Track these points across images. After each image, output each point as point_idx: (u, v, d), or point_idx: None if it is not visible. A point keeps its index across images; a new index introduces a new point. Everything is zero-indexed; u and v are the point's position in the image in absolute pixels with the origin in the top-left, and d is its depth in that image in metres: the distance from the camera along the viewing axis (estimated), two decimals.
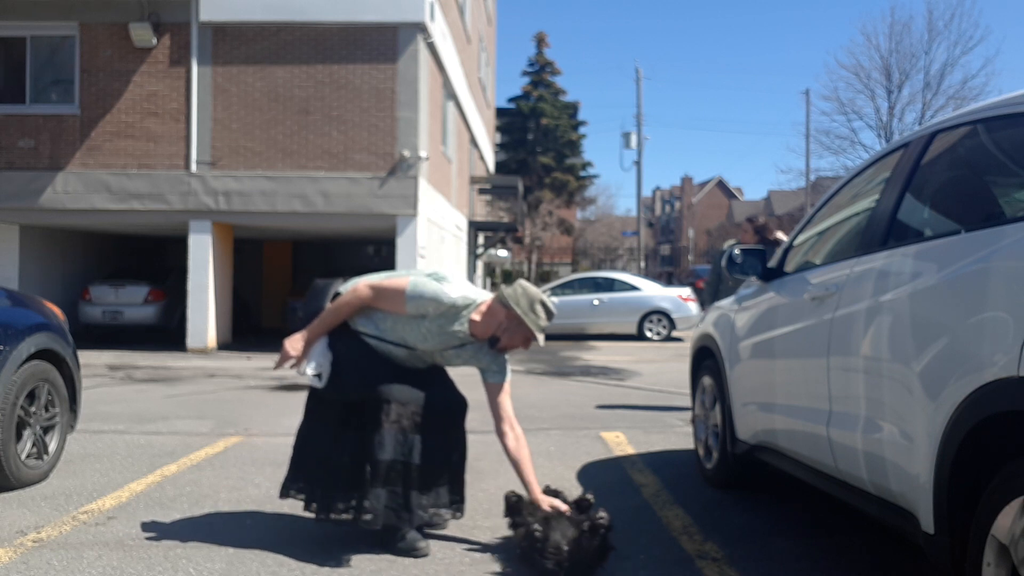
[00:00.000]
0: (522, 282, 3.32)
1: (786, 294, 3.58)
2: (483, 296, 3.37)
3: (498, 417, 3.39)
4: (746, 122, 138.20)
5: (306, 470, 3.39)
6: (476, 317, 3.29)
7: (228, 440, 5.66)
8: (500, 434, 3.38)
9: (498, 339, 3.28)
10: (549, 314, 3.25)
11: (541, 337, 3.26)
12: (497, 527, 3.60)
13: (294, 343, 3.33)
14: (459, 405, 3.45)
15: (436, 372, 3.50)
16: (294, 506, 3.92)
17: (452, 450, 3.40)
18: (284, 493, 3.45)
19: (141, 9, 12.96)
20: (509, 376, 3.43)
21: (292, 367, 3.35)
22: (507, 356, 3.45)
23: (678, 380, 8.23)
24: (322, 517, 3.32)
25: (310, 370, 3.31)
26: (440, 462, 3.33)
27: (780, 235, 6.80)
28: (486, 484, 4.43)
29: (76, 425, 4.79)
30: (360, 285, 3.34)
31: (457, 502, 3.43)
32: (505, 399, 3.39)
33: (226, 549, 3.28)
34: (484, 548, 3.34)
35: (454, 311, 3.28)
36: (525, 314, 3.21)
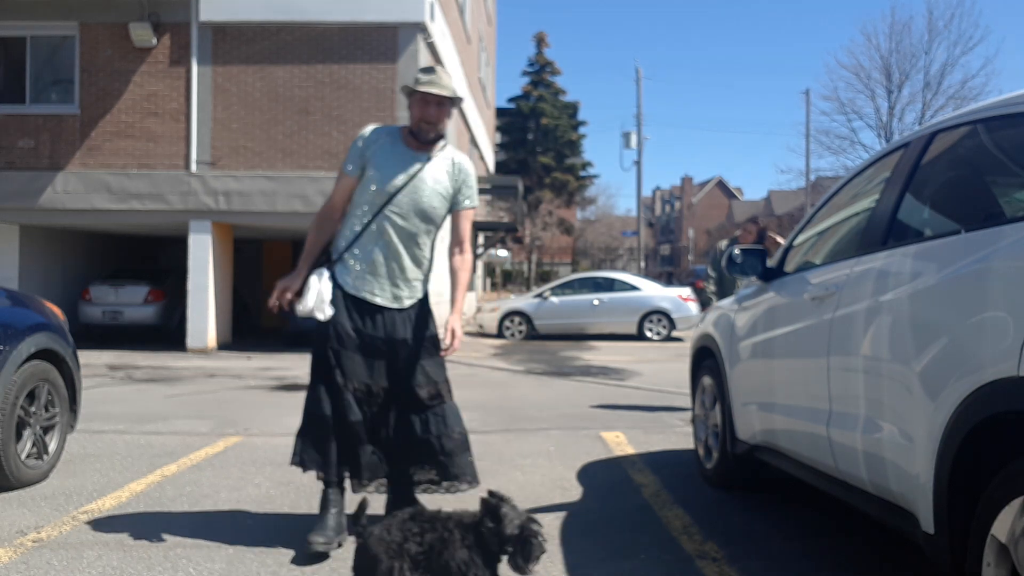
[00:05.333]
0: None
1: (786, 294, 3.58)
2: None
3: (454, 238, 3.53)
4: (746, 122, 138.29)
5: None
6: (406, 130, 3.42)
7: (228, 440, 5.66)
8: (450, 253, 3.53)
9: (426, 124, 3.33)
10: (424, 72, 3.34)
11: (424, 87, 3.29)
12: None
13: (286, 280, 3.41)
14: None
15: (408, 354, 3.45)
16: (294, 505, 3.93)
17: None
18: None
19: (141, 9, 12.95)
20: (475, 204, 3.53)
21: (290, 304, 3.38)
22: (469, 185, 3.50)
23: (678, 380, 8.23)
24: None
25: (310, 301, 3.31)
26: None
27: (779, 240, 6.81)
28: (486, 484, 4.41)
29: (76, 425, 4.79)
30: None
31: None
32: (465, 224, 3.53)
33: (226, 549, 3.28)
34: None
35: (383, 136, 3.40)
36: (412, 85, 3.34)
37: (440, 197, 3.41)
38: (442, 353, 3.40)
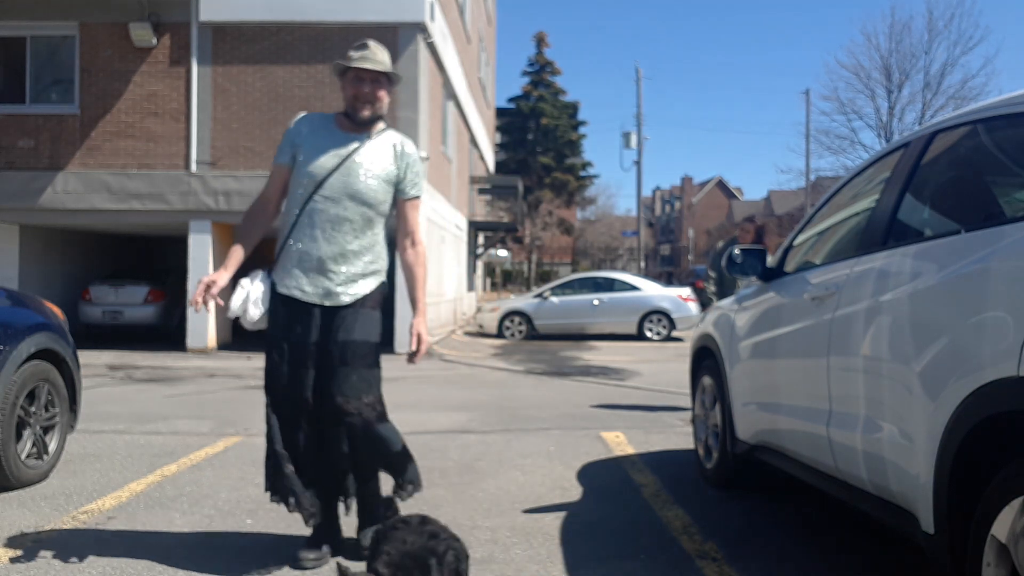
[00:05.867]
0: None
1: (786, 294, 3.58)
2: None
3: (403, 231, 3.25)
4: (746, 122, 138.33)
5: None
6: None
7: (228, 440, 5.66)
8: (401, 248, 3.26)
9: (360, 103, 3.09)
10: (357, 48, 3.11)
11: (357, 63, 3.05)
12: (497, 527, 3.60)
13: (211, 276, 3.10)
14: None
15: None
16: None
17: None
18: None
19: (141, 9, 12.95)
20: (420, 193, 3.25)
21: (224, 305, 3.10)
22: (416, 170, 3.21)
23: (678, 380, 8.23)
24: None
25: (235, 303, 3.06)
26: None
27: (779, 239, 6.81)
28: (486, 484, 4.43)
29: (76, 425, 4.79)
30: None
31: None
32: (413, 214, 3.24)
33: (226, 549, 3.28)
34: (484, 548, 3.34)
35: (316, 120, 3.19)
36: (344, 62, 3.11)
37: (379, 180, 3.11)
38: (410, 361, 3.13)
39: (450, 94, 17.20)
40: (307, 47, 13.15)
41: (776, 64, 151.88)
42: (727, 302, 4.51)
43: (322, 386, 3.03)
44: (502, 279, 49.93)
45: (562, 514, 3.81)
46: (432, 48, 13.99)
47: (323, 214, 3.05)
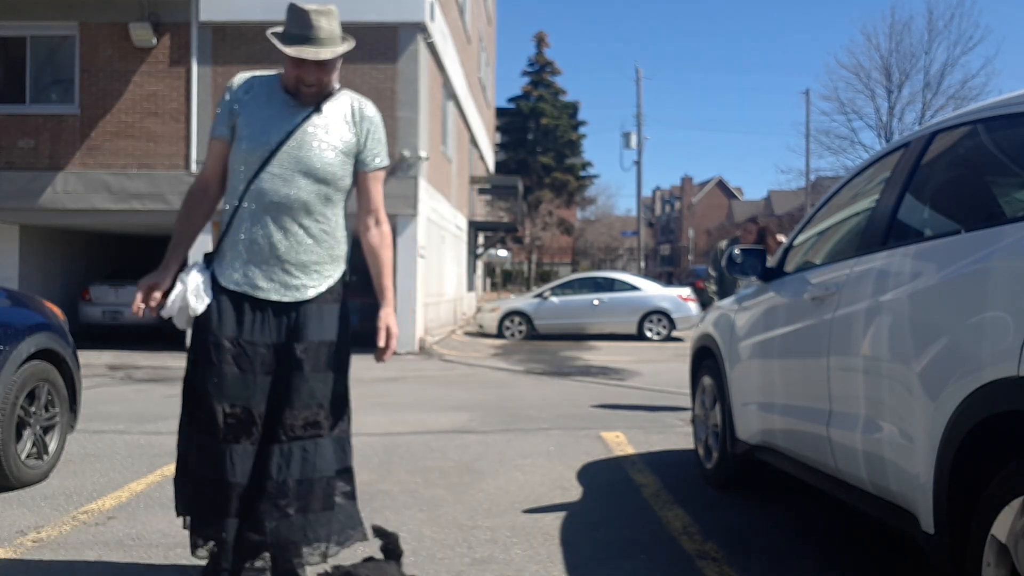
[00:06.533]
0: None
1: (786, 294, 3.58)
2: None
3: (365, 209, 2.80)
4: (746, 122, 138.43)
5: None
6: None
7: None
8: (363, 228, 2.81)
9: (306, 88, 2.61)
10: (294, 18, 2.60)
11: (290, 50, 2.54)
12: (497, 527, 3.60)
13: (152, 277, 2.66)
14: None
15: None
16: None
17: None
18: None
19: (141, 9, 12.95)
20: (386, 163, 2.81)
21: (156, 308, 2.64)
22: (375, 140, 2.75)
23: (678, 380, 8.23)
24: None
25: (171, 303, 2.61)
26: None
27: (781, 238, 6.81)
28: (486, 484, 4.43)
29: (76, 425, 4.79)
30: None
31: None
32: (376, 189, 2.80)
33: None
34: (484, 548, 3.34)
35: (257, 84, 2.70)
36: (280, 42, 2.59)
37: (336, 152, 2.66)
38: (376, 358, 2.72)
39: (450, 94, 17.20)
40: None
41: (776, 64, 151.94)
42: (727, 302, 4.51)
43: (278, 395, 2.60)
44: (502, 279, 49.94)
45: (562, 514, 3.81)
46: (432, 48, 13.99)
47: (272, 195, 2.60)
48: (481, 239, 26.30)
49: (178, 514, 2.71)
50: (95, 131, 13.18)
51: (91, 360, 11.12)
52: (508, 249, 44.90)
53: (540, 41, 48.98)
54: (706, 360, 4.66)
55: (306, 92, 2.63)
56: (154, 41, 13.02)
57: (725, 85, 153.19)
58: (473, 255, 24.45)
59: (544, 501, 4.06)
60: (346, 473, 2.73)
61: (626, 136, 33.82)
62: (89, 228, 14.95)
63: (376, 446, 5.45)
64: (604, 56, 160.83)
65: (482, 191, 25.35)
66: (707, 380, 4.60)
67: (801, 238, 3.82)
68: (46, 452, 4.43)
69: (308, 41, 2.56)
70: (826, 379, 2.97)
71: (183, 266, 2.72)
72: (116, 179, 13.15)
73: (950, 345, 2.18)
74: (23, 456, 4.21)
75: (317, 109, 2.66)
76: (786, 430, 3.45)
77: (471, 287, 24.40)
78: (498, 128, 40.30)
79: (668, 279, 47.73)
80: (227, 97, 2.71)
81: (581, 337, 16.74)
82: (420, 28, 13.21)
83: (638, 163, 33.45)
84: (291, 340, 2.63)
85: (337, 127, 2.68)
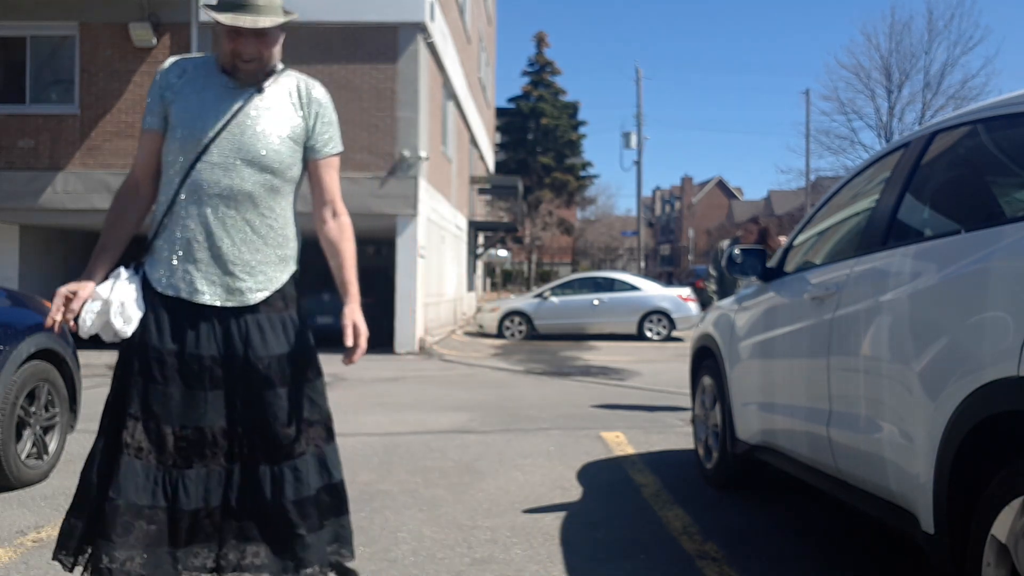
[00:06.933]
0: None
1: (786, 294, 3.58)
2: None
3: (320, 200, 2.52)
4: (746, 122, 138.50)
5: None
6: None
7: None
8: (319, 221, 2.52)
9: (243, 63, 2.33)
10: None
11: (224, 17, 2.26)
12: (497, 527, 3.60)
13: (72, 285, 2.32)
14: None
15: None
16: None
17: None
18: None
19: (141, 9, 12.95)
20: (340, 149, 2.54)
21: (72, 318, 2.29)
22: (326, 123, 2.48)
23: (678, 380, 8.23)
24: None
25: (88, 318, 2.27)
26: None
27: (781, 239, 6.81)
28: (486, 484, 4.43)
29: (76, 425, 4.79)
30: None
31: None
32: (331, 177, 2.52)
33: None
34: (484, 548, 3.34)
35: (190, 67, 2.42)
36: (213, 11, 2.32)
37: (283, 138, 2.39)
38: (344, 360, 2.41)
39: (450, 94, 17.20)
40: (307, 47, 13.14)
41: (776, 64, 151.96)
42: (727, 302, 4.51)
43: (243, 411, 2.32)
44: (502, 279, 49.94)
45: (562, 514, 3.81)
46: (432, 48, 13.99)
47: (212, 187, 2.32)
48: (481, 239, 26.30)
49: (70, 553, 2.24)
50: (95, 131, 13.18)
51: (91, 360, 11.09)
52: (508, 249, 44.90)
53: (540, 41, 49.00)
54: (706, 360, 4.66)
55: (245, 69, 2.34)
56: (154, 41, 13.02)
57: (725, 85, 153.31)
58: (473, 255, 24.46)
59: (544, 501, 4.06)
60: (332, 489, 2.44)
61: (626, 136, 33.84)
62: (89, 228, 14.94)
63: (376, 446, 5.46)
64: (604, 56, 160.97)
65: (482, 191, 25.35)
66: (707, 380, 4.60)
67: (801, 238, 3.82)
68: (46, 452, 4.43)
69: (244, 8, 2.29)
70: (826, 379, 2.97)
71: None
72: (116, 179, 13.14)
73: (950, 345, 2.18)
74: (23, 456, 4.21)
75: (259, 90, 2.39)
76: (786, 430, 3.45)
77: (471, 287, 24.40)
78: (498, 128, 40.31)
79: (668, 279, 47.74)
80: (157, 83, 2.40)
81: (581, 337, 16.74)
82: (420, 28, 13.21)
83: (638, 163, 33.46)
84: (249, 354, 2.33)
85: (282, 110, 2.41)
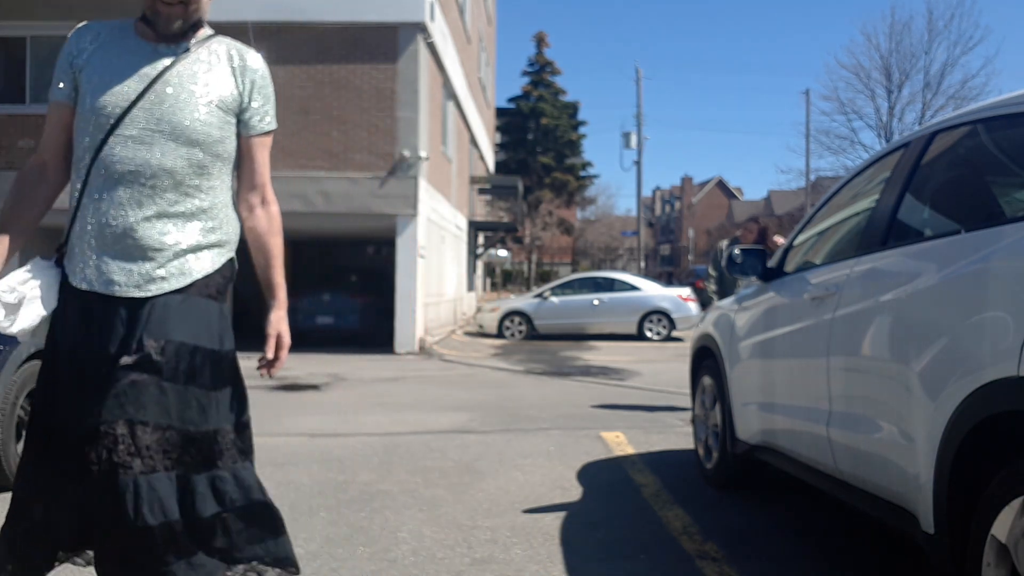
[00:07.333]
0: None
1: (786, 294, 3.58)
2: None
3: (248, 183, 2.23)
4: (746, 122, 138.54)
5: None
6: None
7: None
8: (245, 208, 2.23)
9: (165, 5, 2.08)
10: None
11: None
12: (497, 527, 3.60)
13: None
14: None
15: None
16: (294, 505, 3.92)
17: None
18: None
19: (141, 10, 12.94)
20: (274, 126, 2.25)
21: None
22: (261, 100, 2.21)
23: (678, 380, 8.23)
24: None
25: None
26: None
27: (780, 239, 6.81)
28: (486, 484, 4.43)
29: None
30: None
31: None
32: (262, 156, 2.23)
33: None
34: (484, 548, 3.34)
35: (104, 31, 2.20)
36: None
37: (211, 107, 2.10)
38: (263, 372, 2.17)
39: (450, 94, 17.21)
40: (307, 47, 13.15)
41: (776, 64, 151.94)
42: (727, 302, 4.51)
43: (157, 411, 1.94)
44: (502, 279, 49.95)
45: (562, 514, 3.81)
46: (432, 48, 13.99)
47: (127, 164, 2.02)
48: (481, 239, 26.30)
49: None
50: None
51: None
52: (508, 249, 44.90)
53: (540, 41, 49.02)
54: (706, 360, 4.66)
55: (167, 13, 2.07)
56: None
57: (725, 85, 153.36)
58: (473, 255, 24.46)
59: (544, 501, 4.06)
60: (247, 512, 2.03)
61: (626, 136, 33.85)
62: None
63: (376, 446, 5.46)
64: (604, 56, 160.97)
65: (482, 191, 25.36)
66: (707, 380, 4.60)
67: (801, 238, 3.82)
68: None
69: None
70: (826, 379, 2.97)
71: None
72: None
73: (950, 345, 2.18)
74: None
75: (183, 51, 2.11)
76: (786, 430, 3.45)
77: (471, 287, 24.41)
78: (498, 128, 40.32)
79: (668, 279, 47.75)
80: (66, 50, 2.15)
81: (581, 337, 16.74)
82: (420, 28, 13.21)
83: (638, 163, 33.47)
84: (157, 344, 1.97)
85: (212, 75, 2.12)
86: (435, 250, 15.53)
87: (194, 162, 2.08)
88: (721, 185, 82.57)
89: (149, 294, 2.03)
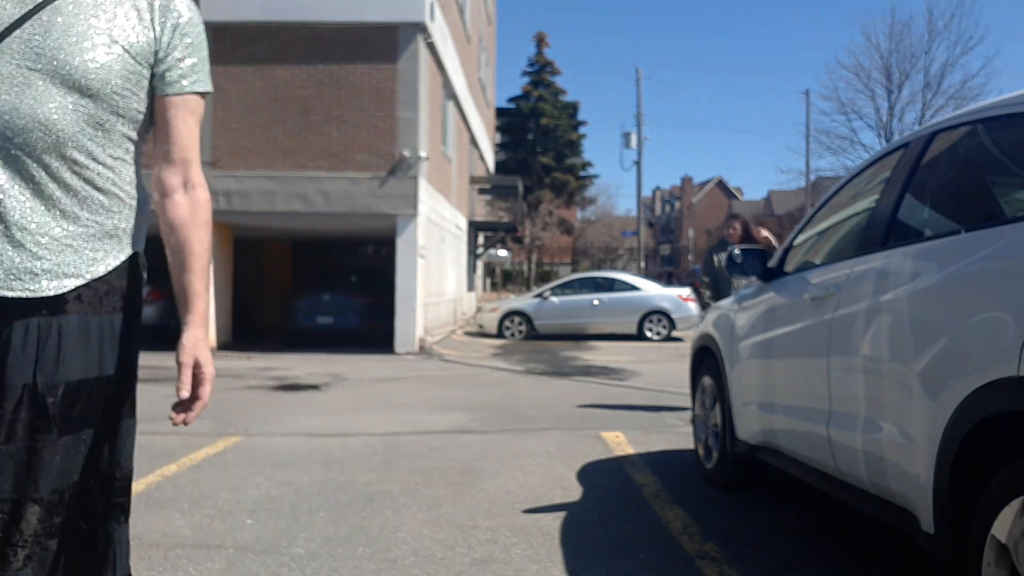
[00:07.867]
0: None
1: (786, 294, 3.58)
2: None
3: (167, 157, 1.65)
4: (746, 122, 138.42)
5: None
6: None
7: (228, 440, 5.65)
8: (162, 191, 1.66)
9: None
10: None
11: None
12: (497, 527, 3.60)
13: None
14: None
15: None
16: (294, 505, 3.93)
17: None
18: None
19: None
20: (205, 88, 1.68)
21: None
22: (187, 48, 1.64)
23: (678, 380, 8.23)
24: None
25: None
26: None
27: (765, 233, 6.78)
28: (486, 484, 4.43)
29: None
30: None
31: None
32: (184, 124, 1.65)
33: (226, 549, 3.28)
34: (484, 548, 3.34)
35: None
36: None
37: (113, 50, 1.54)
38: (175, 417, 1.70)
39: (450, 94, 17.21)
40: (307, 47, 13.16)
41: (776, 64, 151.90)
42: (727, 302, 4.51)
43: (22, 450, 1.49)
44: (502, 279, 49.95)
45: (562, 514, 3.81)
46: (432, 48, 13.99)
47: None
48: (481, 239, 26.31)
49: None
50: None
51: None
52: (508, 249, 44.90)
53: (540, 41, 49.02)
54: (706, 360, 4.66)
55: None
56: None
57: (725, 85, 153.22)
58: (473, 255, 24.46)
59: (544, 501, 4.06)
60: None
61: (626, 136, 33.86)
62: None
63: (376, 446, 5.46)
64: (604, 56, 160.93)
65: (482, 191, 25.36)
66: (707, 380, 4.60)
67: (801, 238, 3.82)
68: None
69: None
70: (826, 379, 2.97)
71: None
72: None
73: (950, 345, 2.18)
74: None
75: None
76: (786, 430, 3.45)
77: (471, 287, 24.41)
78: (498, 128, 40.32)
79: (668, 279, 47.75)
80: None
81: (581, 337, 16.74)
82: (420, 28, 13.21)
83: (638, 163, 33.47)
84: (37, 378, 1.50)
85: (119, 10, 1.58)
86: (435, 250, 15.53)
87: (90, 119, 1.53)
88: (721, 185, 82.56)
89: (19, 294, 1.50)
